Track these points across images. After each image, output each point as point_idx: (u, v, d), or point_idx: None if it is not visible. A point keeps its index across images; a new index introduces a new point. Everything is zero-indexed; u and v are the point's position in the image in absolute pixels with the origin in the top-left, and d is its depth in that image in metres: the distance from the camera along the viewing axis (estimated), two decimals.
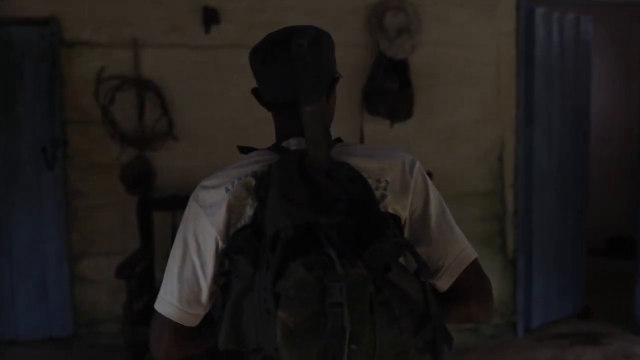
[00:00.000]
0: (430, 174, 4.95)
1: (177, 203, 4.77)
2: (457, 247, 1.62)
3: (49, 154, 4.85)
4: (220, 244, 1.56)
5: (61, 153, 4.86)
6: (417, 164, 1.63)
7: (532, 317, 5.41)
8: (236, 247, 1.49)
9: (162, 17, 4.85)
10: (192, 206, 1.61)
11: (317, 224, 1.42)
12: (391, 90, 4.93)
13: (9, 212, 4.93)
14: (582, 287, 5.80)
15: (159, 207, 4.78)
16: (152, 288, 4.69)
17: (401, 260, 1.53)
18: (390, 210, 1.56)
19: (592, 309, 5.73)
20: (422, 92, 5.06)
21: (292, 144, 1.62)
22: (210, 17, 4.81)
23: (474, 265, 1.63)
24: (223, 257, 1.52)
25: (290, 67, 1.54)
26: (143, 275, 4.46)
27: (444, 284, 1.61)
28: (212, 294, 1.59)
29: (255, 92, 1.70)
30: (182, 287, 1.58)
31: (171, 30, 4.87)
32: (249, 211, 1.54)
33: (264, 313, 1.39)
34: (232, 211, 1.55)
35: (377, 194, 1.55)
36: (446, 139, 5.17)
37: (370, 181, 1.54)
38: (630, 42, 7.75)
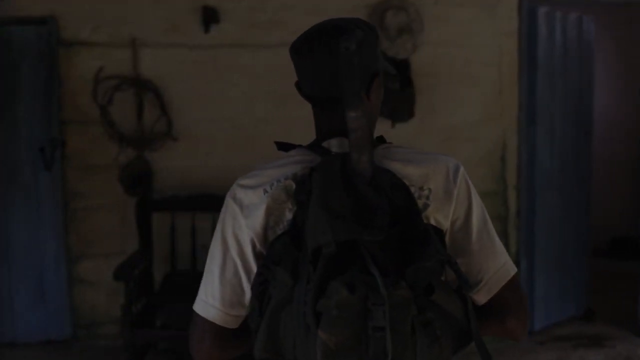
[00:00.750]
0: None
1: (177, 204, 4.77)
2: (498, 262, 1.58)
3: (47, 155, 4.84)
4: (257, 246, 1.54)
5: (59, 153, 4.85)
6: (461, 169, 1.58)
7: (535, 319, 5.39)
8: (275, 256, 1.46)
9: (161, 17, 4.85)
10: (229, 205, 1.57)
11: (361, 241, 1.38)
12: (392, 90, 4.92)
13: (7, 213, 4.92)
14: (585, 288, 5.79)
15: (158, 208, 4.77)
16: (151, 290, 4.69)
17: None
18: (432, 220, 1.52)
19: (595, 310, 5.72)
20: (424, 92, 5.05)
21: (334, 145, 1.58)
22: (210, 17, 4.81)
23: (513, 281, 1.59)
24: (262, 266, 1.49)
25: (333, 64, 1.51)
26: (142, 277, 4.44)
27: (481, 298, 1.57)
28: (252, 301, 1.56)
29: (298, 85, 1.67)
30: (225, 289, 1.56)
31: (170, 30, 4.86)
32: (288, 215, 1.51)
33: (303, 328, 1.37)
34: (271, 214, 1.52)
35: (420, 203, 1.51)
36: (447, 139, 5.16)
37: (412, 189, 1.50)
38: (633, 42, 7.75)
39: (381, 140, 1.63)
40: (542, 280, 5.43)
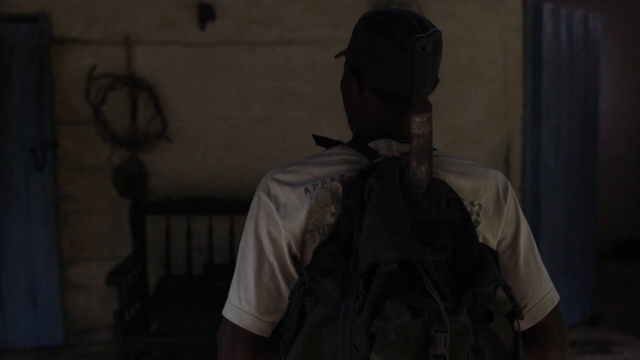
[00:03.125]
0: None
1: (171, 206, 4.75)
2: (543, 289, 1.55)
3: (38, 156, 4.81)
4: (293, 249, 1.46)
5: (51, 155, 4.82)
6: (510, 186, 1.54)
7: None
8: (322, 267, 1.36)
9: (155, 13, 4.82)
10: (262, 201, 1.48)
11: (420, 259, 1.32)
12: None
13: None
14: (592, 292, 5.77)
15: (152, 211, 4.75)
16: (145, 295, 4.66)
17: None
18: (480, 239, 1.47)
19: (602, 315, 5.71)
20: None
21: (382, 147, 1.50)
22: (206, 13, 4.78)
23: (557, 309, 1.57)
24: (307, 276, 1.37)
25: (409, 66, 1.42)
26: (136, 282, 4.42)
27: (524, 324, 1.53)
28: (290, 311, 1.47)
29: (354, 68, 1.56)
30: (261, 294, 1.47)
31: (165, 27, 4.83)
32: (330, 219, 1.44)
33: (349, 348, 1.29)
34: (312, 217, 1.44)
35: (471, 219, 1.43)
36: (451, 140, 5.13)
37: (464, 203, 1.44)
38: (638, 40, 7.74)
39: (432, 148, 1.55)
40: None
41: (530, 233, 1.57)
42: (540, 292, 1.54)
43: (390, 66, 1.49)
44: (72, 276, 4.92)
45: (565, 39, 5.36)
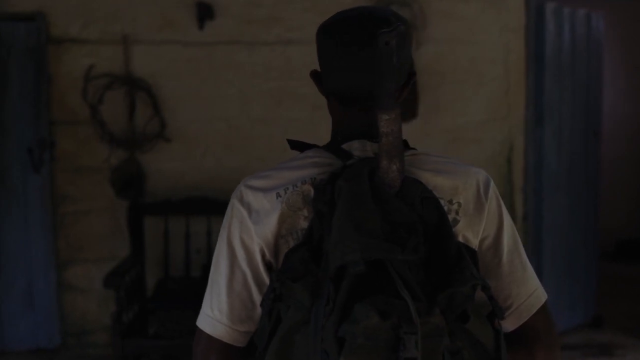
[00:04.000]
0: None
1: (170, 207, 4.74)
2: (529, 287, 1.50)
3: (35, 156, 4.80)
4: (266, 255, 1.43)
5: (48, 155, 4.81)
6: (492, 184, 1.50)
7: None
8: (292, 272, 1.34)
9: (153, 13, 4.81)
10: (235, 208, 1.46)
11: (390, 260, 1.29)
12: None
13: None
14: (594, 294, 5.76)
15: (150, 212, 4.74)
16: (143, 297, 4.65)
17: None
18: (460, 238, 1.43)
19: (604, 317, 5.70)
20: (427, 91, 5.02)
21: (356, 148, 1.46)
22: (205, 12, 4.77)
23: (544, 309, 1.51)
24: (277, 282, 1.36)
25: (369, 59, 1.40)
26: (134, 284, 4.41)
27: (509, 325, 1.50)
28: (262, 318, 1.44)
29: (316, 76, 1.54)
30: (234, 303, 1.45)
31: (163, 26, 4.82)
32: (303, 223, 1.40)
33: (320, 355, 1.26)
34: (284, 222, 1.41)
35: (449, 218, 1.40)
36: (452, 140, 5.13)
37: (442, 202, 1.40)
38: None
39: (405, 145, 1.50)
40: (550, 287, 5.38)
41: (515, 231, 1.52)
42: (526, 291, 1.50)
43: (344, 68, 1.46)
44: (70, 277, 4.91)
45: (567, 38, 5.35)
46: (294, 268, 1.35)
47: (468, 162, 1.54)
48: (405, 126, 5.33)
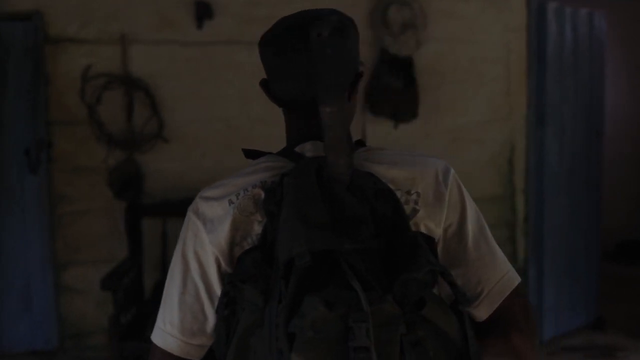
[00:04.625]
0: None
1: (168, 209, 4.72)
2: (499, 271, 1.46)
3: (32, 157, 4.79)
4: (222, 265, 1.41)
5: (45, 156, 4.79)
6: (452, 172, 1.47)
7: (544, 329, 5.34)
8: (243, 273, 1.34)
9: (152, 12, 4.80)
10: (190, 220, 1.46)
11: (336, 250, 1.27)
12: (395, 88, 4.89)
13: None
14: (596, 296, 5.76)
15: (148, 213, 4.73)
16: (141, 299, 4.64)
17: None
18: (422, 228, 1.41)
19: (606, 318, 5.69)
20: (428, 91, 5.02)
21: (308, 149, 1.46)
22: (203, 12, 4.77)
23: (517, 292, 1.47)
24: (228, 285, 1.36)
25: (307, 59, 1.39)
26: (131, 286, 4.40)
27: (482, 313, 1.45)
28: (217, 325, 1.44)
29: (264, 84, 1.55)
30: (185, 316, 1.44)
31: (162, 26, 4.81)
32: (257, 228, 1.38)
33: (275, 355, 1.24)
34: (238, 228, 1.39)
35: (407, 208, 1.39)
36: (453, 141, 5.12)
37: (399, 194, 1.39)
38: None
39: (361, 144, 1.50)
40: (552, 288, 5.39)
41: (481, 218, 1.50)
42: (495, 275, 1.45)
43: (284, 76, 1.47)
44: (68, 279, 4.90)
45: (569, 38, 5.35)
46: (245, 270, 1.34)
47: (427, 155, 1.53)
48: (405, 126, 5.37)
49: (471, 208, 1.48)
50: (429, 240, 1.40)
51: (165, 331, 1.46)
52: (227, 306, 1.37)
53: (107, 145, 4.76)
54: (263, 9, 4.81)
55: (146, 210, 4.73)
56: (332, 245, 1.26)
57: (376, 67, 4.91)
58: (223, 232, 1.40)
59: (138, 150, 4.80)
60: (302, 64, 1.41)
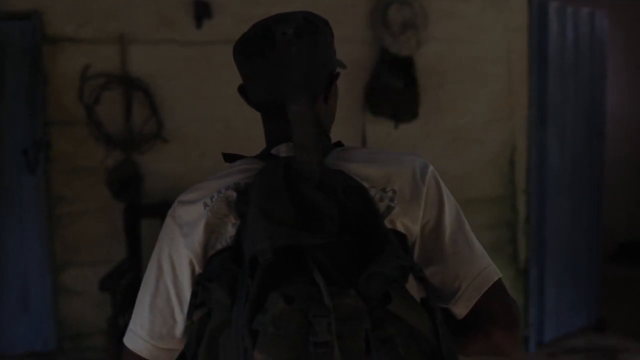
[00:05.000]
0: None
1: (167, 210, 4.71)
2: (477, 266, 1.43)
3: (30, 157, 4.78)
4: (196, 268, 1.41)
5: (43, 156, 4.78)
6: (430, 168, 1.46)
7: (545, 331, 5.34)
8: (211, 273, 1.34)
9: (151, 11, 4.79)
10: (167, 224, 1.46)
11: (303, 246, 1.26)
12: (395, 88, 4.88)
13: None
14: (598, 297, 5.75)
15: (147, 214, 4.71)
16: None
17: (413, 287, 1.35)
18: (398, 225, 1.39)
19: (607, 320, 5.69)
20: (428, 91, 5.01)
21: (283, 150, 1.47)
22: (202, 11, 4.76)
23: (497, 287, 1.43)
24: (196, 285, 1.35)
25: (275, 60, 1.40)
26: (130, 287, 4.39)
27: (461, 309, 1.42)
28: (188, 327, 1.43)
29: (241, 90, 1.56)
30: (154, 319, 1.44)
31: (160, 25, 4.80)
32: (231, 230, 1.38)
33: (242, 353, 1.23)
34: (212, 231, 1.40)
35: (382, 205, 1.38)
36: (454, 141, 5.12)
37: (373, 191, 1.38)
38: None
39: (340, 145, 1.51)
40: (553, 289, 5.38)
41: (460, 214, 1.48)
42: (473, 270, 1.42)
43: (256, 81, 1.48)
44: (66, 280, 4.89)
45: (571, 37, 5.34)
46: (213, 270, 1.35)
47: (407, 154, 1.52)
48: (405, 127, 5.38)
49: (450, 205, 1.46)
50: (401, 237, 1.39)
51: (136, 334, 1.47)
52: (198, 307, 1.36)
53: (106, 145, 4.75)
54: (262, 8, 4.79)
55: (145, 210, 4.72)
56: (295, 240, 1.26)
57: (376, 67, 4.90)
58: (197, 235, 1.41)
59: (137, 151, 4.79)
60: (270, 66, 1.42)
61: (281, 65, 1.38)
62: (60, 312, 4.90)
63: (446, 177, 4.67)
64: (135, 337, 1.47)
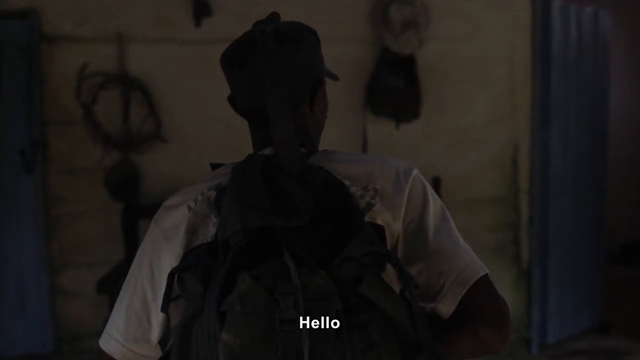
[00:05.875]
0: (438, 180, 4.94)
1: None
2: (461, 262, 1.41)
3: (27, 157, 4.78)
4: None
5: (41, 156, 4.77)
6: (415, 172, 1.46)
7: (548, 333, 5.34)
8: (186, 264, 1.32)
9: (149, 10, 4.78)
10: (151, 229, 1.48)
11: (278, 230, 1.25)
12: (396, 88, 4.88)
13: None
14: (601, 299, 5.75)
15: (145, 215, 4.71)
16: None
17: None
18: (378, 221, 1.38)
19: (611, 322, 5.69)
20: (430, 90, 5.01)
21: (267, 152, 1.46)
22: (202, 10, 4.75)
23: (483, 283, 1.41)
24: (171, 277, 1.33)
25: (255, 65, 1.43)
26: None
27: (447, 307, 1.40)
28: (165, 333, 1.42)
29: (230, 99, 1.59)
30: (130, 321, 1.44)
31: (159, 24, 4.79)
32: (212, 230, 1.38)
33: (211, 338, 1.20)
34: (194, 232, 1.40)
35: (363, 202, 1.38)
36: (456, 141, 5.11)
37: (354, 189, 1.38)
38: None
39: (324, 151, 1.51)
40: (556, 291, 5.38)
41: (445, 212, 1.47)
42: (457, 265, 1.40)
43: (241, 89, 1.52)
44: (63, 282, 4.88)
45: (574, 36, 5.34)
46: (187, 261, 1.33)
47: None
48: (407, 127, 5.39)
49: (435, 203, 1.46)
50: (379, 229, 1.37)
51: (111, 335, 1.47)
52: (173, 300, 1.34)
53: (104, 145, 4.75)
54: (262, 7, 4.77)
55: (143, 211, 4.72)
56: (267, 221, 1.25)
57: (377, 67, 4.90)
58: (179, 237, 1.41)
59: (135, 151, 4.78)
60: (251, 72, 1.45)
61: (262, 68, 1.40)
62: (57, 314, 4.90)
63: (448, 178, 4.73)
64: (110, 338, 1.47)
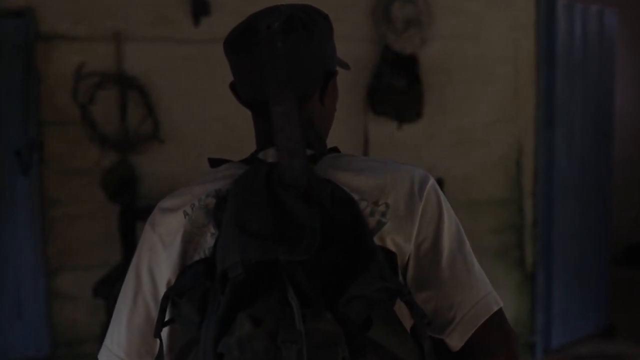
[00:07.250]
0: (441, 181, 4.93)
1: None
2: (475, 294, 1.33)
3: (23, 158, 4.77)
4: (172, 282, 1.34)
5: (37, 157, 4.76)
6: (431, 181, 1.37)
7: (552, 337, 5.33)
8: (181, 287, 1.26)
9: (147, 8, 4.77)
10: (147, 233, 1.40)
11: (278, 262, 1.18)
12: (398, 88, 4.88)
13: None
14: (606, 303, 5.74)
15: (143, 217, 4.67)
16: None
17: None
18: (388, 242, 1.30)
19: (616, 326, 5.68)
20: (433, 90, 5.00)
21: (270, 155, 1.38)
22: (200, 8, 4.74)
23: (496, 318, 1.34)
24: (164, 300, 1.27)
25: (259, 56, 1.34)
26: None
27: (456, 341, 1.32)
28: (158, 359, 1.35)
29: (232, 87, 1.49)
30: (132, 337, 1.38)
31: (157, 23, 4.79)
32: (210, 241, 1.31)
33: None
34: (190, 241, 1.33)
35: (373, 220, 1.29)
36: (459, 142, 5.11)
37: (364, 204, 1.30)
38: None
39: (335, 150, 1.42)
40: (561, 294, 5.37)
41: (461, 233, 1.38)
42: (471, 298, 1.33)
43: (244, 77, 1.41)
44: (59, 285, 4.87)
45: (579, 35, 5.33)
46: (184, 283, 1.27)
47: (407, 163, 1.43)
48: (409, 127, 5.37)
49: (450, 222, 1.37)
50: (391, 255, 1.29)
51: (112, 351, 1.41)
52: (166, 324, 1.30)
53: (101, 146, 4.75)
54: (261, 5, 4.78)
55: (141, 213, 4.70)
56: (268, 255, 1.18)
57: (379, 66, 4.90)
58: (175, 246, 1.34)
59: (133, 152, 4.78)
60: (255, 62, 1.36)
61: (265, 62, 1.31)
62: (54, 317, 4.89)
63: (451, 179, 4.72)
64: (112, 355, 1.41)
